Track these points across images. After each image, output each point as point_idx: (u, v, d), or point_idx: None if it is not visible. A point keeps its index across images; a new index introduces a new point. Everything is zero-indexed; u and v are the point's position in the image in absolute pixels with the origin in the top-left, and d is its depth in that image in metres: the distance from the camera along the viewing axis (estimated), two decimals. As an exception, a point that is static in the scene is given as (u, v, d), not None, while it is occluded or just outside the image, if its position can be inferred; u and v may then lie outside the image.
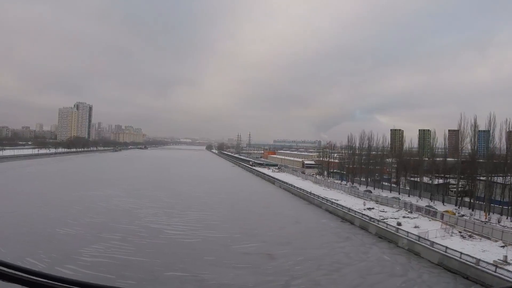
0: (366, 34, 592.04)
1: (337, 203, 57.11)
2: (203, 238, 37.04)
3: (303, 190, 73.55)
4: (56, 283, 1.48)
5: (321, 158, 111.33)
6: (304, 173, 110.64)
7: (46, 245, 31.19)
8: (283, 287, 25.62)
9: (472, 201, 58.92)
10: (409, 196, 72.02)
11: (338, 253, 34.17)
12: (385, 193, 72.03)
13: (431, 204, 60.62)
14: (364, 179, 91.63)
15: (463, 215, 49.29)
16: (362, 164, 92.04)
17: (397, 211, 54.10)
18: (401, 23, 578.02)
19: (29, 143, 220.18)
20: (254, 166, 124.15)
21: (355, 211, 50.08)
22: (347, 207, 52.79)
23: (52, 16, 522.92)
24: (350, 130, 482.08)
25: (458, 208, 58.27)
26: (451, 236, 38.15)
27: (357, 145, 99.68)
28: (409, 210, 53.70)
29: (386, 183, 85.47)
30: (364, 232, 42.69)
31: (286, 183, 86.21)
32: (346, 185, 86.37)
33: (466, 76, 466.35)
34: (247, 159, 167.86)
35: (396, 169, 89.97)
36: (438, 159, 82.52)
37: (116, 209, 49.16)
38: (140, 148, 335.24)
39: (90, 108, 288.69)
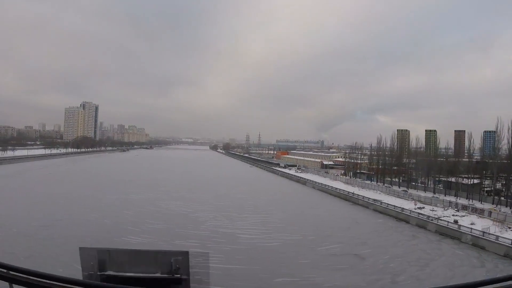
0: (369, 34, 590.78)
1: (387, 203, 56.60)
2: (282, 241, 36.22)
3: (343, 190, 72.82)
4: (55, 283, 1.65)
5: (346, 159, 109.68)
6: (327, 173, 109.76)
7: None
8: (392, 284, 26.46)
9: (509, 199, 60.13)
10: (445, 195, 71.51)
11: (415, 250, 35.47)
12: (419, 193, 71.50)
13: (470, 203, 60.87)
14: (396, 180, 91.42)
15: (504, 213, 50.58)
16: (394, 165, 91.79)
17: (445, 210, 54.78)
18: (404, 23, 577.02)
19: (37, 142, 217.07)
20: (285, 168, 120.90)
21: (410, 210, 50.96)
22: (399, 207, 53.27)
23: (52, 15, 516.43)
24: (351, 130, 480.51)
25: (497, 206, 58.73)
26: (506, 231, 40.07)
27: (388, 145, 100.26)
28: (456, 209, 54.96)
29: (414, 183, 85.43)
30: (423, 231, 43.64)
31: (320, 183, 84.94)
32: (378, 185, 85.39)
33: (469, 77, 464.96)
34: (272, 161, 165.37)
35: (428, 169, 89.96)
36: (473, 159, 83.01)
37: (171, 214, 46.72)
38: (146, 148, 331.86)
39: (96, 108, 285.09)
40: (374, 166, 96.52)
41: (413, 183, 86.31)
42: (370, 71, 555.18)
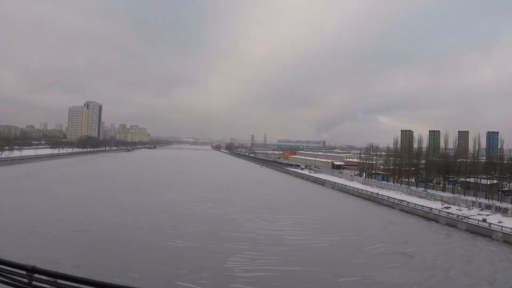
0: (371, 34, 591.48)
1: (414, 204, 57.12)
2: (327, 242, 36.37)
3: (365, 191, 73.11)
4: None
5: (361, 160, 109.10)
6: (341, 174, 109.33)
7: (187, 264, 27.51)
8: (446, 279, 27.27)
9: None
10: (464, 195, 71.78)
11: (454, 247, 36.50)
12: (438, 193, 71.89)
13: (491, 202, 61.32)
14: (412, 180, 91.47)
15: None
16: (411, 166, 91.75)
17: (470, 209, 55.79)
18: (406, 24, 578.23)
19: (42, 142, 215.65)
20: (304, 170, 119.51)
21: (439, 210, 52.15)
22: (427, 207, 54.24)
23: (53, 14, 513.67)
24: (351, 130, 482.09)
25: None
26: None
27: (399, 146, 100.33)
28: (480, 208, 56.31)
29: (432, 184, 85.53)
30: (454, 229, 44.53)
31: (340, 184, 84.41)
32: (397, 186, 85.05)
33: (470, 77, 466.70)
34: (282, 161, 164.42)
35: (446, 169, 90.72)
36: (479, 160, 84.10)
37: (205, 216, 45.64)
38: (149, 148, 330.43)
39: (100, 107, 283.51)
40: (391, 167, 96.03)
41: (430, 184, 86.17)
42: (371, 71, 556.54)
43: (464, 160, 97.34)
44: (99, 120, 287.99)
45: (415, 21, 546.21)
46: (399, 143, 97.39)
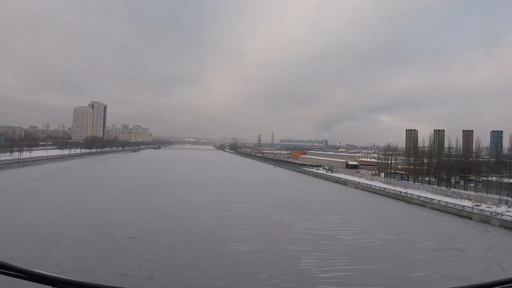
0: (372, 34, 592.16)
1: (446, 202, 58.23)
2: (382, 240, 36.41)
3: (393, 190, 73.50)
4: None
5: (379, 160, 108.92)
6: (358, 173, 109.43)
7: (263, 268, 26.73)
8: (502, 270, 28.26)
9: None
10: (486, 194, 72.39)
11: (496, 242, 37.70)
12: (461, 191, 72.59)
13: None
14: (434, 179, 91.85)
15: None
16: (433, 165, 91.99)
17: (498, 206, 57.03)
18: (407, 22, 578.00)
19: (49, 143, 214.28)
20: (319, 170, 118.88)
21: (472, 207, 54.03)
22: (460, 205, 55.33)
23: (52, 13, 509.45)
24: (352, 129, 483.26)
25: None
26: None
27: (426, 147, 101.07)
28: (507, 205, 57.82)
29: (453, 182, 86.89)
30: (489, 226, 45.90)
31: (364, 184, 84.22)
32: (421, 185, 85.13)
33: (472, 76, 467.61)
34: (295, 161, 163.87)
35: (467, 169, 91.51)
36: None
37: (251, 217, 44.74)
38: (154, 148, 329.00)
39: (105, 108, 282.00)
40: (411, 166, 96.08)
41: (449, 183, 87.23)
42: (373, 70, 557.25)
43: (483, 159, 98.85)
44: (104, 120, 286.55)
45: (417, 20, 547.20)
46: (419, 142, 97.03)
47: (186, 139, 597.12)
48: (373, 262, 29.18)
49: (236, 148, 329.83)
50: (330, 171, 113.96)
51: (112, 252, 29.35)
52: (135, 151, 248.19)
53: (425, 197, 63.54)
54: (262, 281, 24.43)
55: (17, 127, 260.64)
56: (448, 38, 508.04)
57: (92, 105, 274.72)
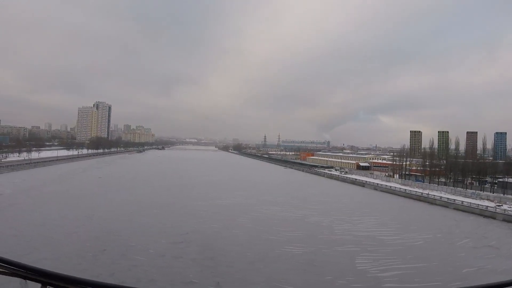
0: (374, 34, 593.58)
1: (469, 202, 59.53)
2: (422, 240, 37.26)
3: (415, 191, 74.02)
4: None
5: (393, 162, 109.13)
6: (372, 174, 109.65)
7: (324, 269, 26.59)
8: None
9: None
10: (504, 194, 73.45)
11: None
12: (479, 193, 73.50)
13: None
14: (449, 180, 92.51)
15: None
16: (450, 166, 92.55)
17: None
18: (409, 23, 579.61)
19: (55, 143, 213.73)
20: (343, 173, 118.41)
21: (494, 207, 55.53)
22: (483, 205, 56.43)
23: (53, 12, 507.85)
24: (353, 130, 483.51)
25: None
26: None
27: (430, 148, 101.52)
28: None
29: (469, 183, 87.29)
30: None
31: (383, 185, 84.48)
32: (439, 186, 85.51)
33: (474, 77, 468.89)
34: (305, 162, 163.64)
35: (480, 170, 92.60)
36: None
37: (288, 220, 44.24)
38: (158, 149, 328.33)
39: (110, 108, 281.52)
40: (427, 168, 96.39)
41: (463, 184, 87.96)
42: (374, 71, 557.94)
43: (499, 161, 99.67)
44: (109, 121, 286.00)
45: (419, 21, 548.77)
46: (435, 144, 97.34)
47: (187, 140, 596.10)
48: (422, 260, 29.64)
49: (240, 149, 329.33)
50: (344, 173, 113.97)
51: (165, 258, 27.97)
52: (140, 151, 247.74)
53: (448, 198, 64.41)
54: (329, 282, 24.33)
55: (21, 127, 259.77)
56: (449, 39, 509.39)
57: (97, 106, 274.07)
